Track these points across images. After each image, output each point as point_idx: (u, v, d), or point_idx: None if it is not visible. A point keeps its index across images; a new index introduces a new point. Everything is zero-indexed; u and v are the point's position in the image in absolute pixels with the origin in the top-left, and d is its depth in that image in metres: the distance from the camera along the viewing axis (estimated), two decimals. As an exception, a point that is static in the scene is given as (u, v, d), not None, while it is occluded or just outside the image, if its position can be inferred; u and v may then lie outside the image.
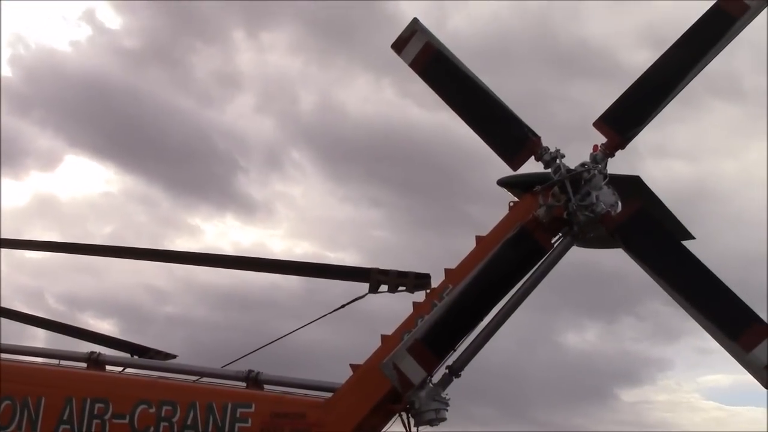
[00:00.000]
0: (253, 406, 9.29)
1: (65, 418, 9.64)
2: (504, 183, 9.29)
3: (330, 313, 9.92)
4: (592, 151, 8.82)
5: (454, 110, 9.12)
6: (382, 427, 9.22)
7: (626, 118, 8.70)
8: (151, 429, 9.43)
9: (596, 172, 8.72)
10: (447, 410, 8.86)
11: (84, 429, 9.57)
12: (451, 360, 8.87)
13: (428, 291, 9.34)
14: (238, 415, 9.27)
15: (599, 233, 8.80)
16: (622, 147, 8.79)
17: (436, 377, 8.88)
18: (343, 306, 9.86)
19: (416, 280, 9.53)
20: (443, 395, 8.86)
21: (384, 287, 9.67)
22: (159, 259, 11.95)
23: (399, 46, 9.44)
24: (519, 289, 8.93)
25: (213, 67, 32.33)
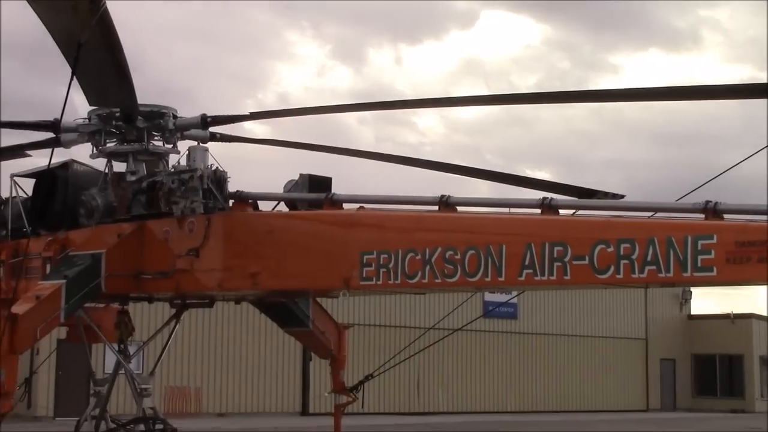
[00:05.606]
0: (715, 237, 9.02)
1: (527, 263, 9.98)
2: None
3: None
4: None
5: None
6: None
7: None
8: (611, 268, 9.50)
9: None
10: None
11: (546, 272, 9.87)
12: None
13: None
14: (699, 247, 9.06)
15: None
16: None
17: None
18: None
19: None
20: None
21: None
22: (589, 99, 11.89)
23: None
24: None
25: None
